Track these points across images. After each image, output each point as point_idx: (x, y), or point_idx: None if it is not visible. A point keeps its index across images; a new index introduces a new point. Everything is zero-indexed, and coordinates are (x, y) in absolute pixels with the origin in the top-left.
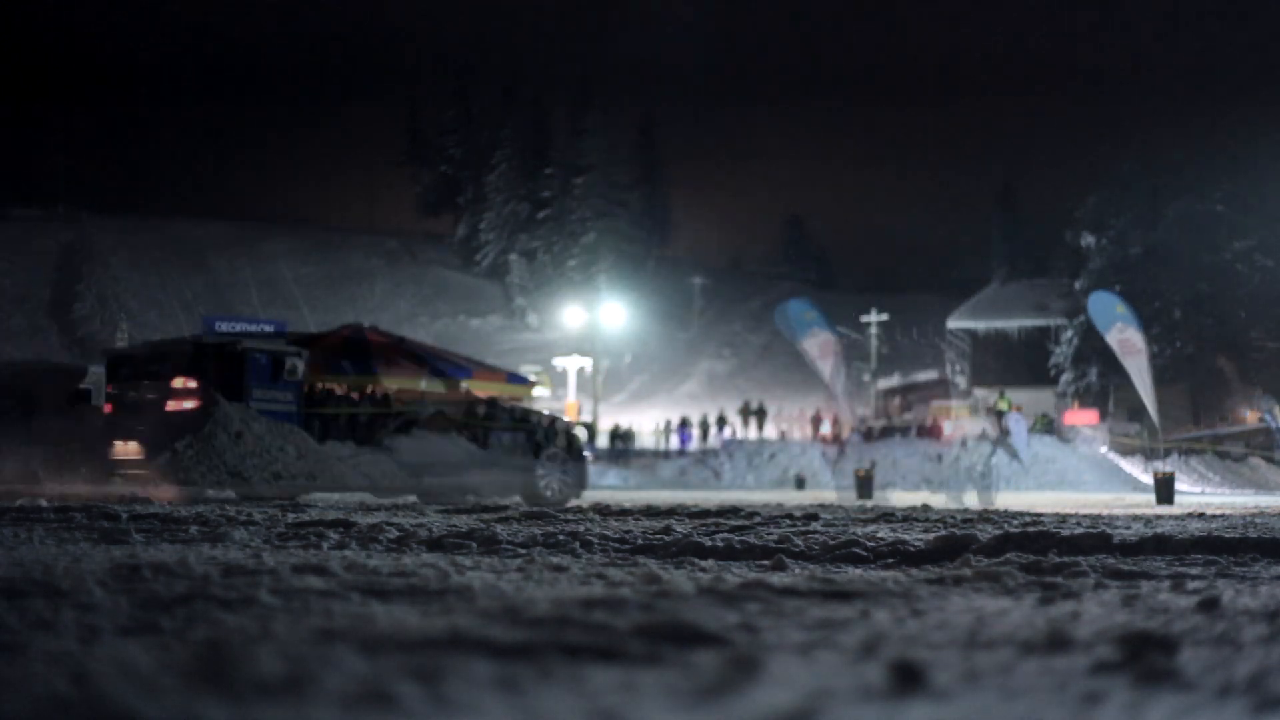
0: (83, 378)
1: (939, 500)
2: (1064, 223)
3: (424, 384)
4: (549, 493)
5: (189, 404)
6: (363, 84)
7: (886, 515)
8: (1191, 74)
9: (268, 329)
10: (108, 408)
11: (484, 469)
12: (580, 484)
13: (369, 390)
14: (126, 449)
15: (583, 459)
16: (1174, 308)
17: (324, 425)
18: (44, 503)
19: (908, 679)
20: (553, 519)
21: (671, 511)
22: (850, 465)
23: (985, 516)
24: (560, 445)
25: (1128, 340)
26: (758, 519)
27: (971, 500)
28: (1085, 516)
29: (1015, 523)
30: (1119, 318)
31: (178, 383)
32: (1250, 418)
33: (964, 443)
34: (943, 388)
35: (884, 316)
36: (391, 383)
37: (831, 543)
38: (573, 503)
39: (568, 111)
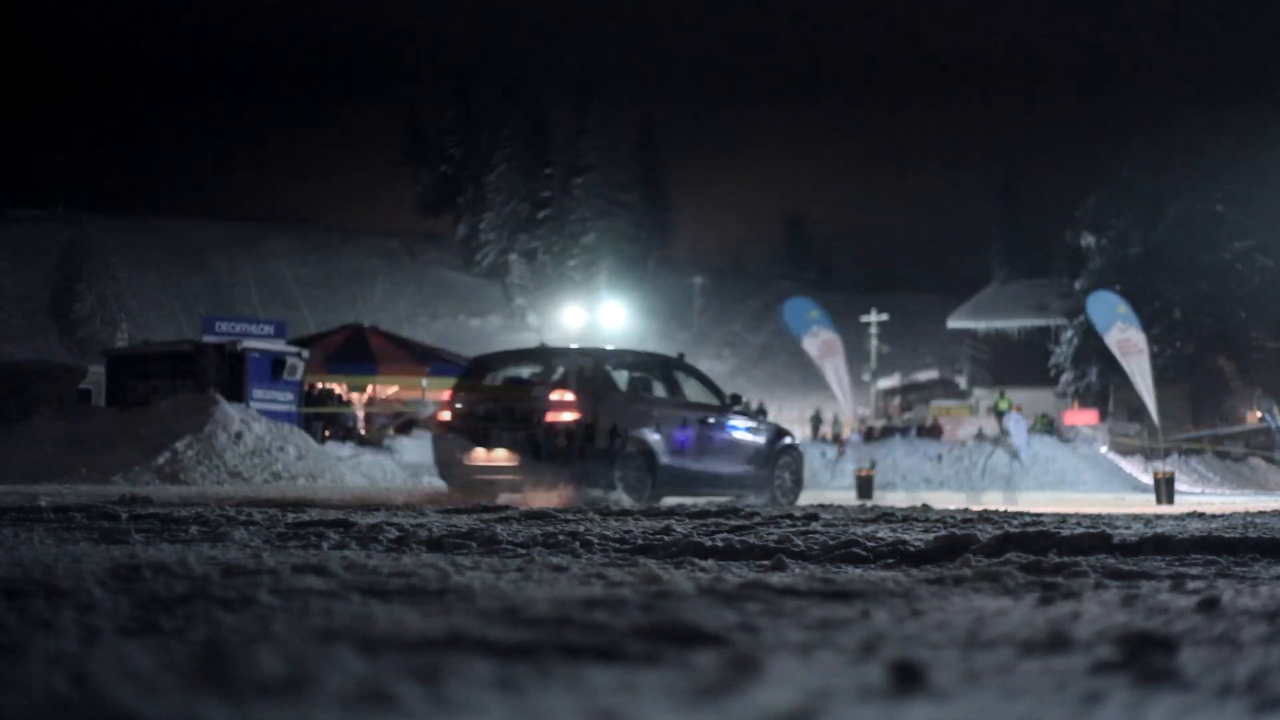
0: (83, 378)
1: (956, 500)
2: (1064, 223)
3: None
4: (784, 496)
5: (568, 415)
6: (363, 84)
7: (886, 515)
8: (1191, 74)
9: (268, 329)
10: (449, 415)
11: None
12: (801, 487)
13: (370, 390)
14: (492, 456)
15: (801, 463)
16: (1174, 308)
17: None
18: (44, 502)
19: (908, 679)
20: (553, 519)
21: (671, 511)
22: (850, 465)
23: (985, 516)
24: (791, 451)
25: (1128, 340)
26: (758, 519)
27: (995, 499)
28: (1085, 516)
29: (1015, 523)
30: (1119, 318)
31: (556, 395)
32: (1250, 418)
33: (980, 442)
34: (943, 388)
35: (884, 316)
36: (395, 382)
37: (831, 543)
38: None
39: (568, 111)
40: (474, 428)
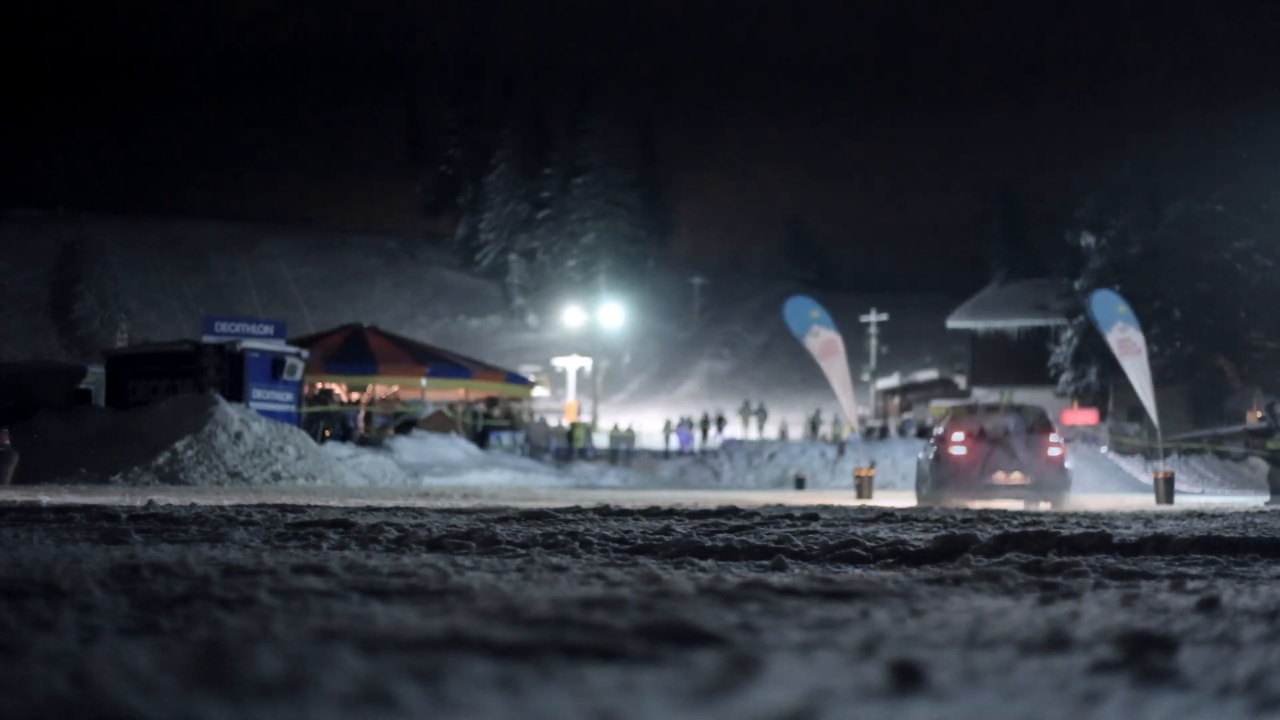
0: (83, 378)
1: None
2: (1064, 223)
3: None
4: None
5: (1057, 451)
6: (363, 84)
7: (886, 515)
8: (1192, 74)
9: (267, 329)
10: (964, 449)
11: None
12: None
13: (370, 390)
14: (1009, 478)
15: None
16: (1174, 308)
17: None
18: (44, 502)
19: (907, 679)
20: (553, 519)
21: (671, 511)
22: (850, 465)
23: (985, 516)
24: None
25: (1128, 340)
26: (758, 519)
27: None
28: (1085, 516)
29: (1015, 523)
30: (1120, 317)
31: (1053, 437)
32: (1250, 417)
33: None
34: (943, 388)
35: (884, 316)
36: (394, 382)
37: (831, 543)
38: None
39: (568, 111)
40: (990, 456)
